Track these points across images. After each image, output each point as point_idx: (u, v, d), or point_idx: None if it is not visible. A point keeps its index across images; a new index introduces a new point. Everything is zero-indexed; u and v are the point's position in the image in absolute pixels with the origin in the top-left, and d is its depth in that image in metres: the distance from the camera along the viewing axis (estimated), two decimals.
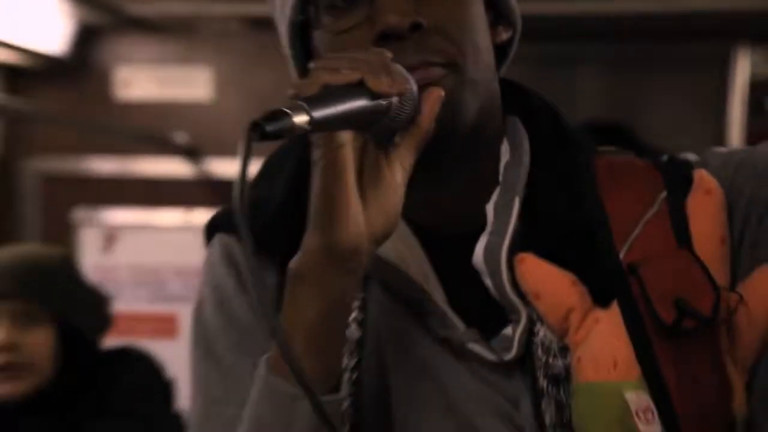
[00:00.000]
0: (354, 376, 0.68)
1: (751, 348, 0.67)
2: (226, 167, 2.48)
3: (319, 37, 0.65)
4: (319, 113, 0.50)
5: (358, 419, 0.68)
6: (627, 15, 2.39)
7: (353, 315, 0.70)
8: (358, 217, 0.59)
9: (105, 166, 2.70)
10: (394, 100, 0.57)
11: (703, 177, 0.68)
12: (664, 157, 0.72)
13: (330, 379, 0.62)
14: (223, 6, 2.45)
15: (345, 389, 0.64)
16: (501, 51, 0.72)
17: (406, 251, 0.71)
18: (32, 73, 2.73)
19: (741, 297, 0.65)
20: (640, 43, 2.60)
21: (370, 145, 0.60)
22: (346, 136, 0.56)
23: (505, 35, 0.71)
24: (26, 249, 1.91)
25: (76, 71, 2.68)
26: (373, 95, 0.56)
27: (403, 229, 0.71)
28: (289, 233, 0.63)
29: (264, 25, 2.11)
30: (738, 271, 0.66)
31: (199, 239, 0.75)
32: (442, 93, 0.59)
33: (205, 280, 0.73)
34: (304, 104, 0.48)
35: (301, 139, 0.59)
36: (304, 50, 0.68)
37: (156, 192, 2.70)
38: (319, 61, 0.59)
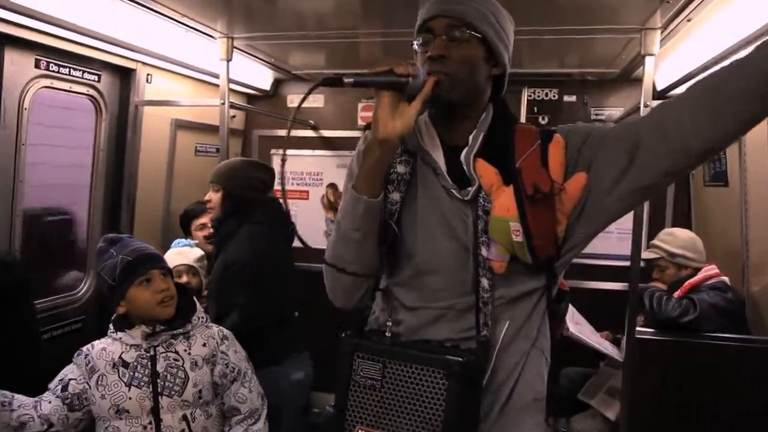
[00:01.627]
0: (401, 195, 1.31)
1: (568, 207, 1.25)
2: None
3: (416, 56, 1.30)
4: (359, 79, 1.13)
5: (399, 220, 1.29)
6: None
7: (407, 170, 1.31)
8: (389, 126, 1.16)
9: (280, 133, 4.39)
10: (410, 79, 1.15)
11: (557, 136, 1.26)
12: (543, 128, 1.30)
13: (372, 193, 1.22)
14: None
15: (380, 198, 1.23)
16: (500, 78, 1.35)
17: (434, 147, 1.32)
18: (264, 96, 4.35)
19: (563, 185, 1.22)
20: None
21: (402, 98, 1.17)
22: (386, 92, 1.15)
23: (495, 71, 1.33)
24: (242, 160, 2.84)
25: (273, 96, 4.42)
26: (397, 75, 1.14)
27: (435, 138, 1.33)
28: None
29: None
30: (570, 175, 1.24)
31: None
32: (434, 79, 1.19)
33: (356, 149, 1.40)
34: (354, 76, 1.11)
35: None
36: None
37: (302, 140, 4.34)
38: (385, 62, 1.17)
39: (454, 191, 1.28)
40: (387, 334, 1.29)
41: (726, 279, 2.91)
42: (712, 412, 2.59)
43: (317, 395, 4.05)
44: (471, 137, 1.31)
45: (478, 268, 1.25)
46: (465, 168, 1.29)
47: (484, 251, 1.24)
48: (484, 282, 1.24)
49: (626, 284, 2.74)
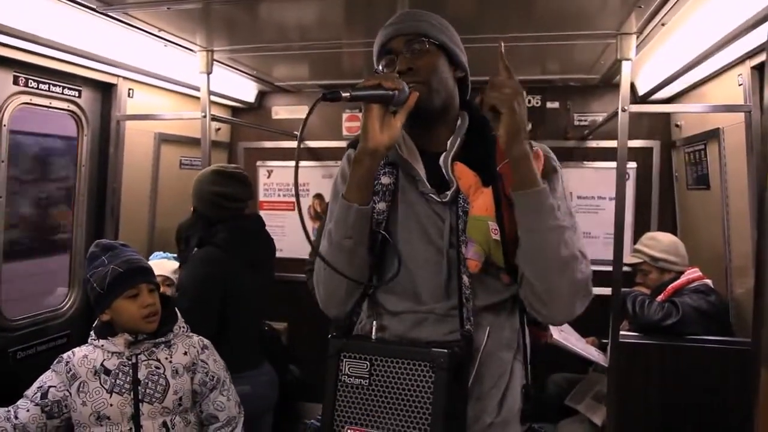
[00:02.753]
0: (387, 205, 1.35)
1: None
2: None
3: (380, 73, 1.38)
4: (354, 93, 1.19)
5: (387, 228, 1.34)
6: None
7: (390, 180, 1.36)
8: (377, 137, 1.22)
9: (267, 144, 4.44)
10: (396, 92, 1.21)
11: (537, 149, 1.29)
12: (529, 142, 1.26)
13: (363, 201, 1.28)
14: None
15: (371, 206, 1.29)
16: (464, 81, 1.42)
17: (412, 156, 1.38)
18: (249, 108, 4.38)
19: None
20: None
21: (387, 111, 1.23)
22: (374, 106, 1.22)
23: (458, 73, 1.40)
24: (210, 171, 2.67)
25: (258, 108, 4.45)
26: (385, 89, 1.20)
27: (412, 147, 1.39)
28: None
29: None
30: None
31: None
32: (417, 93, 1.26)
33: (341, 165, 1.47)
34: (350, 91, 1.17)
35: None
36: None
37: (288, 151, 4.38)
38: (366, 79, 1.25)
39: (433, 195, 1.33)
40: (373, 337, 1.31)
41: (709, 282, 2.92)
42: (697, 414, 2.60)
43: (309, 405, 4.05)
44: (449, 142, 1.37)
45: (460, 267, 1.29)
46: (443, 171, 1.34)
47: (463, 249, 1.28)
48: (465, 279, 1.28)
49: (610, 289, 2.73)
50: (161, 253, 3.24)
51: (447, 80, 1.37)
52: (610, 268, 2.71)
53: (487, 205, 1.27)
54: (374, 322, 1.32)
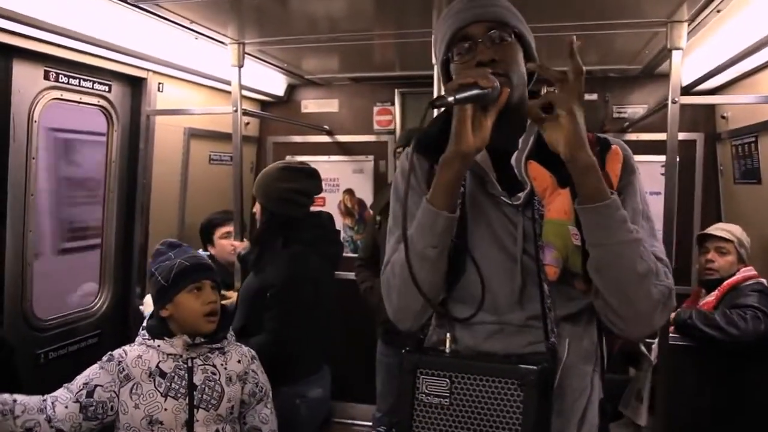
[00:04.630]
0: (459, 209, 1.23)
1: None
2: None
3: (453, 67, 1.28)
4: (458, 96, 1.07)
5: (460, 234, 1.23)
6: None
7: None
8: (470, 140, 1.13)
9: (296, 138, 4.39)
10: (490, 90, 1.11)
11: (615, 147, 1.24)
12: (600, 135, 1.28)
13: (451, 208, 1.18)
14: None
15: (456, 214, 1.20)
16: (531, 75, 1.31)
17: (481, 156, 1.26)
18: (278, 102, 4.35)
19: (619, 193, 1.17)
20: None
21: (478, 110, 1.13)
22: (469, 106, 1.11)
23: (530, 67, 1.26)
24: (276, 167, 2.56)
25: (287, 102, 4.39)
26: (481, 88, 1.10)
27: None
28: (439, 147, 1.18)
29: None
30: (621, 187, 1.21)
31: None
32: (509, 89, 1.16)
33: (400, 166, 1.39)
34: (453, 93, 1.05)
35: (446, 110, 1.16)
36: (447, 74, 1.31)
37: (317, 145, 4.34)
38: (456, 75, 1.20)
39: (504, 198, 1.25)
40: (446, 351, 1.22)
41: (764, 281, 2.80)
42: (746, 417, 2.52)
43: (338, 405, 4.00)
44: (521, 140, 1.27)
45: (540, 274, 1.20)
46: (516, 172, 1.25)
47: (540, 256, 1.20)
48: (546, 288, 1.20)
49: None
50: None
51: (524, 75, 1.27)
52: None
53: (566, 208, 1.17)
54: (447, 334, 1.24)
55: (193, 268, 1.89)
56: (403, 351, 1.21)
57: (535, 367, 1.11)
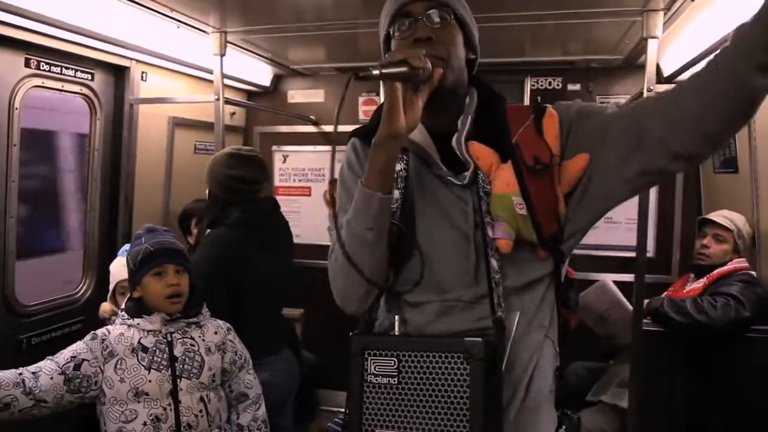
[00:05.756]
0: (401, 193, 1.27)
1: (566, 186, 1.25)
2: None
3: (394, 43, 1.29)
4: (384, 71, 1.06)
5: (402, 218, 1.24)
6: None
7: (401, 167, 1.28)
8: (401, 121, 1.11)
9: (282, 129, 4.40)
10: (420, 72, 1.10)
11: (550, 109, 1.28)
12: (534, 104, 1.31)
13: (386, 189, 1.18)
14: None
15: (393, 195, 1.21)
16: (472, 63, 1.35)
17: (424, 139, 1.30)
18: (264, 92, 4.34)
19: (560, 159, 1.24)
20: None
21: (408, 89, 1.12)
22: (397, 84, 1.10)
23: (471, 56, 1.34)
24: (224, 154, 2.62)
25: (273, 92, 4.41)
26: (411, 67, 1.09)
27: (423, 129, 1.31)
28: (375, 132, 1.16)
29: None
30: (566, 149, 1.25)
31: None
32: (441, 70, 1.16)
33: (345, 156, 1.40)
34: (380, 68, 1.04)
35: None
36: (388, 50, 1.31)
37: (303, 135, 4.36)
38: (390, 51, 1.21)
39: (450, 178, 1.26)
40: (396, 333, 1.23)
41: (754, 273, 2.79)
42: (721, 403, 2.54)
43: (323, 393, 4.03)
44: (459, 122, 1.29)
45: (486, 250, 1.22)
46: (458, 153, 1.27)
47: (489, 232, 1.21)
48: (494, 263, 1.21)
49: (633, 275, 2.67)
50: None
51: (462, 59, 1.30)
52: (633, 254, 2.63)
53: (509, 181, 1.21)
54: (396, 317, 1.25)
55: (156, 253, 1.97)
56: (350, 334, 1.22)
57: (479, 339, 1.11)
